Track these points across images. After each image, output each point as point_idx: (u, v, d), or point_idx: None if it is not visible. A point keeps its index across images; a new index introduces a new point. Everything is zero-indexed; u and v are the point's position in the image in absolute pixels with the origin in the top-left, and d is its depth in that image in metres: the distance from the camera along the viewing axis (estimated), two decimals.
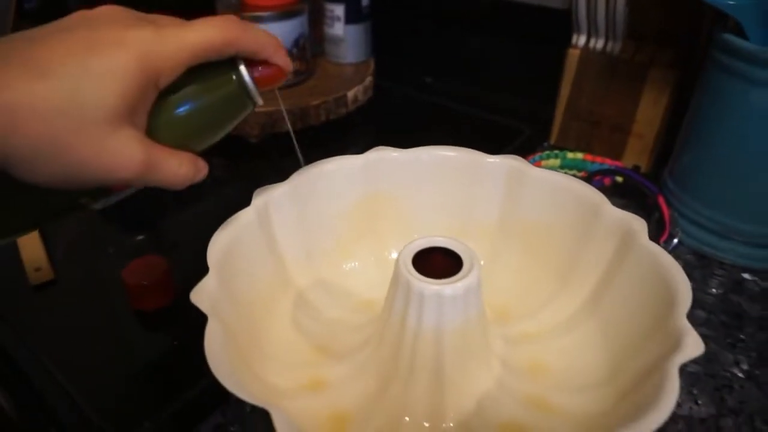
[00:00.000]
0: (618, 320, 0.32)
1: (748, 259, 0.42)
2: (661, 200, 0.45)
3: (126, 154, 0.23)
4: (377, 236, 0.40)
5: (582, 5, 0.50)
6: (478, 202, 0.40)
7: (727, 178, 0.41)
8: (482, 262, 0.40)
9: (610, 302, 0.33)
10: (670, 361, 0.24)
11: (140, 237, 0.50)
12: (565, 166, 0.53)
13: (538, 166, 0.52)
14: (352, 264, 0.40)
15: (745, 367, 0.34)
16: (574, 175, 0.53)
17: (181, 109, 0.26)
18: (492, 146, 0.61)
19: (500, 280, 0.39)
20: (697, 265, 0.43)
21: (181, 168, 0.26)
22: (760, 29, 0.37)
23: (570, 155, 0.53)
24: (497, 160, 0.39)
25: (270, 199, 0.35)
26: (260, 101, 0.28)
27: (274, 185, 0.36)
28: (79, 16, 0.24)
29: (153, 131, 0.25)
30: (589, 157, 0.53)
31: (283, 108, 0.37)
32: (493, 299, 0.38)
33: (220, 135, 0.29)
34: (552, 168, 0.53)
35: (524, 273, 0.39)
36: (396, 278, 0.30)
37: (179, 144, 0.26)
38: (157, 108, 0.25)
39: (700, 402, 0.32)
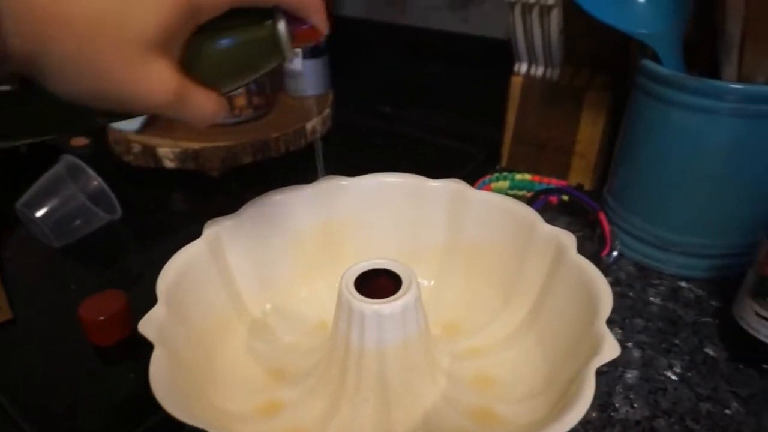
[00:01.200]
0: (553, 331, 0.34)
1: (685, 268, 0.45)
2: (601, 216, 0.47)
3: (160, 82, 0.23)
4: (330, 263, 0.41)
5: (520, 35, 0.53)
6: (424, 226, 0.42)
7: (657, 193, 0.44)
8: (432, 282, 0.42)
9: (546, 315, 0.35)
10: (588, 364, 0.25)
11: (101, 273, 0.50)
12: (514, 187, 0.56)
13: (488, 188, 0.54)
14: (307, 290, 0.41)
15: (678, 370, 0.36)
16: (523, 196, 0.56)
17: (215, 47, 0.26)
18: (447, 171, 0.64)
19: (449, 299, 0.40)
20: (638, 276, 0.45)
21: (208, 104, 0.26)
22: (674, 55, 0.40)
23: (518, 177, 0.56)
24: (440, 184, 0.41)
25: (221, 229, 0.36)
26: (290, 55, 0.28)
27: (226, 216, 0.37)
28: None
29: (185, 63, 0.25)
30: (536, 178, 0.56)
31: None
32: (442, 317, 0.40)
33: (246, 79, 0.29)
34: (501, 189, 0.55)
35: (471, 291, 0.40)
36: (339, 300, 0.32)
37: (207, 81, 0.26)
38: (191, 42, 0.25)
39: (635, 405, 0.34)
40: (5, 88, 0.22)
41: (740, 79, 0.38)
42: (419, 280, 0.33)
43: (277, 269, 0.40)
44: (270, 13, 0.27)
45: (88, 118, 0.27)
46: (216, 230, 0.36)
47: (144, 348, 0.27)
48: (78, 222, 0.50)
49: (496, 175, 0.56)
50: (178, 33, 0.24)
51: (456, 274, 0.41)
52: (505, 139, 0.59)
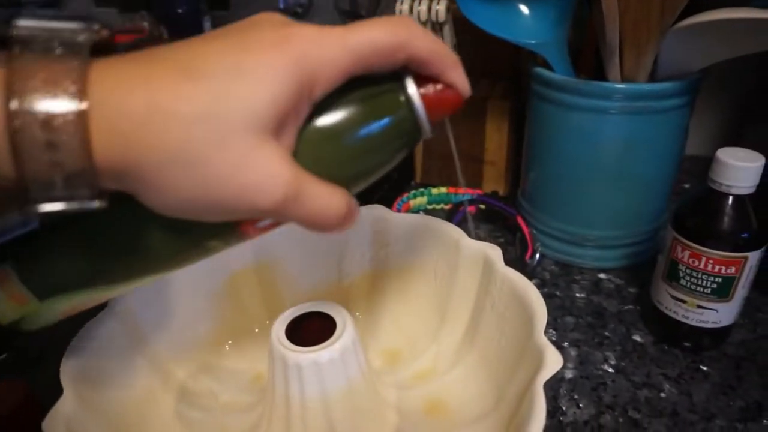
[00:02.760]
0: (494, 347, 0.33)
1: (601, 260, 0.47)
2: (520, 220, 0.48)
3: (271, 174, 0.19)
4: (253, 309, 0.39)
5: None
6: (349, 257, 0.40)
7: (565, 192, 0.46)
8: (360, 315, 0.41)
9: (484, 331, 0.35)
10: (535, 380, 0.25)
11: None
12: (432, 202, 0.56)
13: (407, 206, 0.54)
14: (234, 341, 0.39)
15: (612, 362, 0.37)
16: (442, 209, 0.56)
17: (335, 131, 0.21)
18: (364, 193, 0.63)
19: (384, 328, 0.39)
20: (561, 274, 0.47)
21: (332, 203, 0.21)
22: (562, 61, 0.42)
23: (435, 191, 0.56)
24: (361, 211, 0.40)
25: (130, 296, 0.33)
26: (428, 131, 0.23)
27: None
28: (241, 22, 0.21)
29: (299, 154, 0.21)
30: (452, 190, 0.56)
31: (450, 136, 0.32)
32: (381, 348, 0.39)
33: (377, 171, 0.23)
34: (420, 206, 0.56)
35: (405, 316, 0.39)
36: (272, 353, 0.30)
37: (328, 175, 0.21)
38: (307, 127, 0.21)
39: (581, 405, 0.34)
40: (91, 205, 0.18)
41: (623, 80, 0.41)
42: (350, 312, 0.32)
43: (196, 326, 0.37)
44: (395, 78, 0.22)
45: (197, 240, 0.23)
46: (125, 298, 0.33)
47: None
48: None
49: (413, 192, 0.56)
50: (291, 115, 0.20)
51: (388, 301, 0.40)
52: (417, 155, 0.60)
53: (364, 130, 0.22)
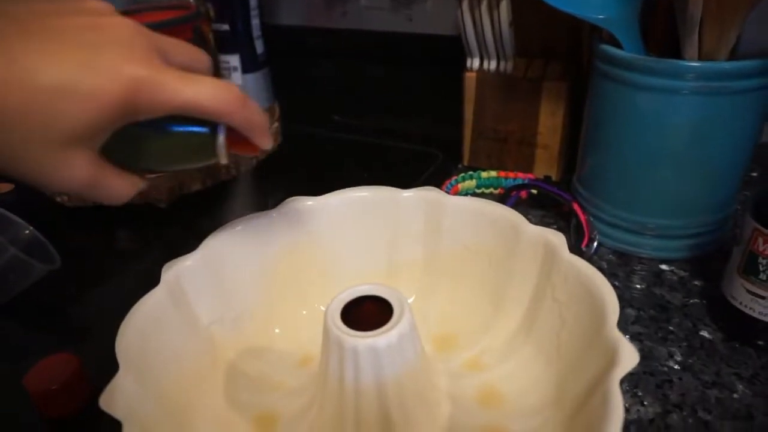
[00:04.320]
0: (554, 339, 0.32)
1: (663, 250, 0.44)
2: (576, 207, 0.46)
3: (71, 175, 0.23)
4: (304, 290, 0.38)
5: (470, 31, 0.52)
6: (400, 240, 0.39)
7: (627, 178, 0.43)
8: (412, 299, 0.39)
9: (544, 321, 0.33)
10: (610, 377, 0.24)
11: (46, 333, 0.45)
12: (482, 186, 0.54)
13: (456, 189, 0.53)
14: (282, 323, 0.38)
15: (678, 358, 0.35)
16: (491, 193, 0.54)
17: (146, 144, 0.26)
18: (409, 175, 0.62)
19: (436, 314, 0.38)
20: (619, 264, 0.44)
21: (122, 188, 0.26)
22: (632, 38, 0.40)
23: (484, 174, 0.54)
24: (413, 194, 0.38)
25: (181, 272, 0.33)
26: (224, 161, 0.28)
27: (184, 257, 0.33)
28: (91, 10, 0.24)
29: (109, 150, 0.25)
30: (502, 174, 0.54)
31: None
32: (431, 334, 0.37)
33: (171, 171, 0.30)
34: (469, 189, 0.54)
35: (457, 303, 0.38)
36: (326, 336, 0.29)
37: (130, 167, 0.27)
38: (123, 131, 0.24)
39: (645, 403, 0.32)
40: None
41: (701, 58, 0.38)
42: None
43: (246, 306, 0.36)
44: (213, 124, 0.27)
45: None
46: (175, 274, 0.32)
47: (106, 416, 0.23)
48: (12, 278, 0.45)
49: (462, 175, 0.54)
50: (108, 129, 0.23)
51: (440, 287, 0.39)
52: (466, 137, 0.58)
53: (168, 147, 0.27)
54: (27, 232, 0.46)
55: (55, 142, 0.22)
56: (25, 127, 0.21)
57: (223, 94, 0.25)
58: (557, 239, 0.32)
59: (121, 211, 0.54)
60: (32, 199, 0.54)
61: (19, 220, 0.46)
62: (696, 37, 0.36)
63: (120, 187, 0.26)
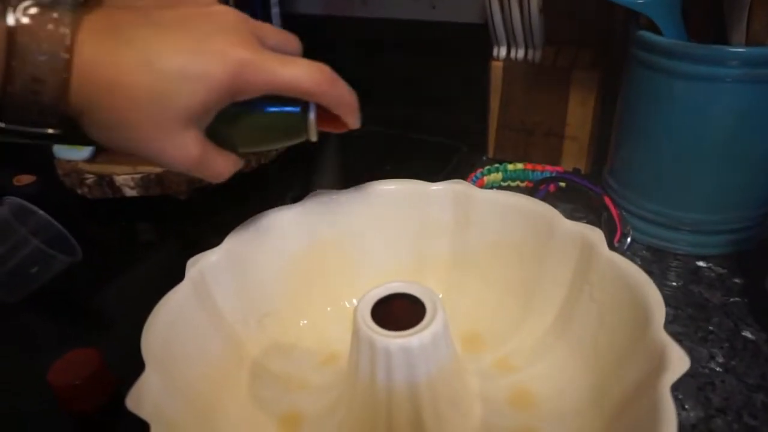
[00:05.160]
0: (591, 339, 0.30)
1: (700, 246, 0.42)
2: (607, 200, 0.44)
3: (185, 152, 0.25)
4: (329, 286, 0.37)
5: (498, 18, 0.50)
6: (428, 234, 0.38)
7: (663, 170, 0.41)
8: (440, 295, 0.38)
9: (579, 320, 0.32)
10: (659, 383, 0.22)
11: (68, 327, 0.45)
12: (508, 179, 0.53)
13: (481, 183, 0.51)
14: (307, 320, 0.37)
15: (720, 359, 0.34)
16: (518, 186, 0.53)
17: (244, 123, 0.28)
18: (431, 167, 0.61)
19: (464, 312, 0.37)
20: (653, 260, 0.43)
21: (225, 166, 0.28)
22: (673, 24, 0.38)
23: (510, 167, 0.53)
24: (441, 187, 0.37)
25: (205, 267, 0.32)
26: (314, 139, 0.30)
27: (208, 252, 0.32)
28: (203, 9, 0.26)
29: (212, 131, 0.27)
30: (529, 166, 0.53)
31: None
32: (459, 332, 0.36)
33: (266, 150, 0.31)
34: (495, 182, 0.52)
35: (487, 300, 0.37)
36: (357, 335, 0.28)
37: (230, 147, 0.28)
38: (223, 113, 0.26)
39: (687, 406, 0.31)
40: (53, 131, 0.24)
41: (749, 44, 0.36)
42: None
43: (271, 302, 0.36)
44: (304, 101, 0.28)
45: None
46: (200, 270, 0.31)
47: (130, 411, 0.22)
48: (34, 270, 0.44)
49: (487, 167, 0.53)
50: (214, 110, 0.26)
51: (468, 283, 0.38)
52: (491, 128, 0.56)
53: (264, 126, 0.29)
54: (49, 224, 0.46)
55: (174, 121, 0.24)
56: (153, 106, 0.24)
57: (318, 74, 0.27)
58: (595, 235, 0.31)
59: (141, 203, 0.54)
60: (53, 191, 0.53)
61: (41, 212, 0.45)
62: (745, 21, 0.35)
63: (223, 165, 0.28)
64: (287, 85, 0.26)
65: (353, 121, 0.30)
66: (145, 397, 0.23)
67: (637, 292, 0.27)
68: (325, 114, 0.29)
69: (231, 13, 0.26)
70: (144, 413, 0.22)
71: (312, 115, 0.29)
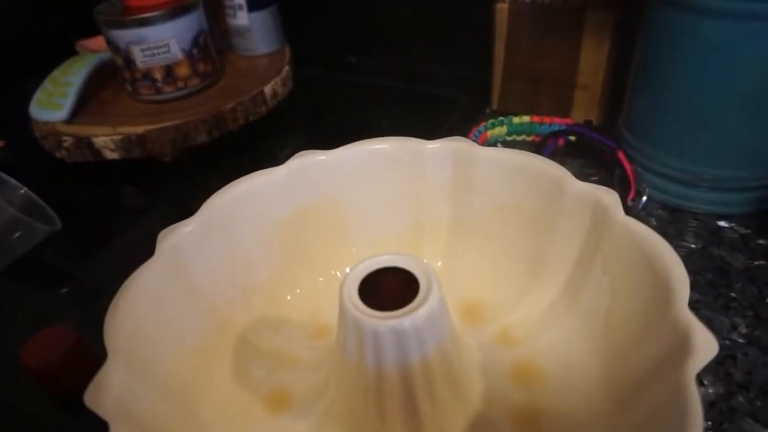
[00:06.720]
0: (600, 313, 0.28)
1: (721, 205, 0.39)
2: (621, 155, 0.41)
3: None
4: (318, 256, 0.35)
5: None
6: (424, 197, 0.35)
7: (688, 121, 0.38)
8: (439, 263, 0.36)
9: (589, 292, 0.29)
10: (683, 369, 0.20)
11: (41, 303, 0.42)
12: (513, 133, 0.49)
13: (484, 137, 0.48)
14: (296, 292, 0.35)
15: (743, 330, 0.31)
16: (524, 141, 0.49)
17: None
18: (431, 121, 0.57)
19: (463, 280, 0.34)
20: (669, 220, 0.40)
21: None
22: None
23: (516, 120, 0.49)
24: (439, 145, 0.34)
25: (179, 240, 0.29)
26: None
27: (182, 223, 0.30)
28: None
29: None
30: (536, 119, 0.49)
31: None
32: (458, 302, 0.34)
33: None
34: (499, 137, 0.49)
35: (488, 269, 0.34)
36: (342, 315, 0.25)
37: None
38: None
39: (705, 382, 0.29)
40: None
41: None
42: (426, 261, 0.26)
43: (255, 273, 0.33)
44: None
45: None
46: (172, 242, 0.29)
47: None
48: (11, 240, 0.42)
49: (491, 120, 0.49)
50: None
51: (468, 251, 0.35)
52: (495, 78, 0.52)
53: None
54: (22, 192, 0.43)
55: None
56: None
57: None
58: (610, 198, 0.28)
59: (124, 166, 0.51)
60: (27, 157, 0.50)
61: (12, 181, 0.42)
62: None
63: None
64: None
65: None
66: (105, 392, 0.21)
67: (657, 265, 0.24)
68: None
69: None
70: (104, 411, 0.20)
71: None
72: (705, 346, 0.20)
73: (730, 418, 0.27)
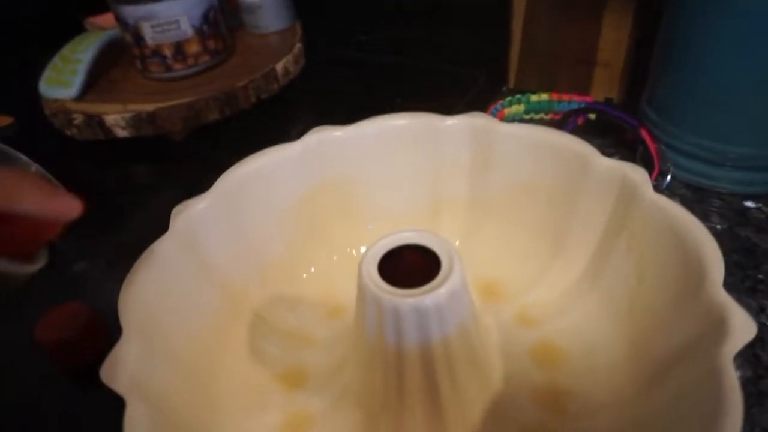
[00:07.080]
0: (626, 293, 0.27)
1: (748, 184, 0.38)
2: (644, 133, 0.40)
3: None
4: (333, 233, 0.34)
5: None
6: (443, 173, 0.34)
7: (715, 98, 0.36)
8: (457, 242, 0.35)
9: (614, 272, 0.28)
10: (719, 351, 0.19)
11: (54, 280, 0.42)
12: (531, 111, 0.48)
13: (501, 115, 0.46)
14: (311, 269, 0.34)
15: None
16: (542, 119, 0.48)
17: None
18: (447, 99, 0.55)
19: (482, 259, 0.33)
20: (694, 200, 0.38)
21: None
22: None
23: (534, 98, 0.48)
24: (457, 121, 0.33)
25: (192, 216, 0.28)
26: None
27: (195, 199, 0.29)
28: None
29: None
30: (555, 96, 0.47)
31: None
32: (477, 281, 0.33)
33: None
34: (517, 114, 0.48)
35: (508, 247, 0.33)
36: (362, 292, 0.24)
37: None
38: None
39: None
40: None
41: None
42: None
43: (270, 251, 0.33)
44: None
45: None
46: (186, 219, 0.28)
47: None
48: None
49: (508, 98, 0.48)
50: None
51: (488, 229, 0.34)
52: (512, 55, 0.51)
53: None
54: (33, 169, 0.42)
55: None
56: None
57: None
58: (638, 176, 0.27)
59: (135, 145, 0.50)
60: (37, 133, 0.50)
61: (23, 157, 0.42)
62: None
63: None
64: None
65: None
66: (121, 368, 0.21)
67: (689, 244, 0.23)
68: None
69: None
70: (120, 387, 0.20)
71: None
72: (742, 327, 0.19)
73: (759, 402, 0.26)
